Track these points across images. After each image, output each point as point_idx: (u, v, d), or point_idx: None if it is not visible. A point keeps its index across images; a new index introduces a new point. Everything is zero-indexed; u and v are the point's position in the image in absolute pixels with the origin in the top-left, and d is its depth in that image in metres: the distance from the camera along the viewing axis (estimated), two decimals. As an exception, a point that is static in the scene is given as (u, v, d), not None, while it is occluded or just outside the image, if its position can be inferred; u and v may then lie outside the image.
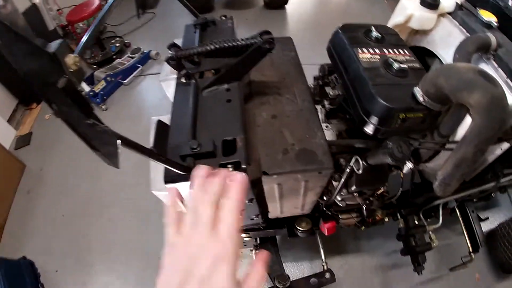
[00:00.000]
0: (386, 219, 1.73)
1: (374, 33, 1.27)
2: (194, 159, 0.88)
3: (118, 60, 3.57)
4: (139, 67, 3.55)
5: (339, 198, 1.33)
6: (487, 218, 2.27)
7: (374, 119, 1.06)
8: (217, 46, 1.09)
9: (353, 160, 1.13)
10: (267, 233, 1.59)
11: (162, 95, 3.12)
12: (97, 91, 3.23)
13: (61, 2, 4.02)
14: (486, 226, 2.41)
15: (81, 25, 3.80)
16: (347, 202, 1.37)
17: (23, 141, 3.23)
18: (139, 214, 2.49)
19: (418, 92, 1.03)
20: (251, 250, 1.78)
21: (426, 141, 1.16)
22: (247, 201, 1.05)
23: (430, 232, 1.79)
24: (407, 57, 1.22)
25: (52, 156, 2.98)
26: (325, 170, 1.00)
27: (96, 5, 3.76)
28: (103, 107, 3.26)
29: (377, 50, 1.21)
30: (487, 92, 0.88)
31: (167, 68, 1.29)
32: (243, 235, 1.55)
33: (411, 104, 1.03)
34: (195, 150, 0.87)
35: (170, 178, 0.89)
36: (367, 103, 1.07)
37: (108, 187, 2.68)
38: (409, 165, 1.27)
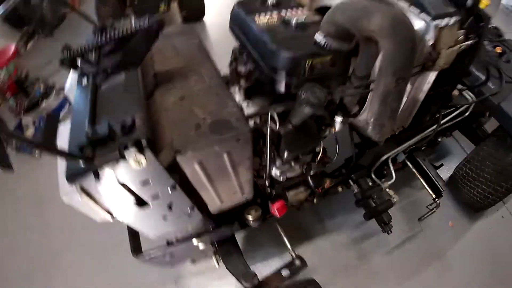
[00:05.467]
0: (340, 189, 1.69)
1: (270, 0, 1.27)
2: (92, 147, 0.79)
3: (44, 103, 3.37)
4: (66, 104, 3.38)
5: (276, 172, 1.27)
6: (441, 165, 2.32)
7: (282, 74, 1.02)
8: (107, 37, 1.02)
9: (268, 117, 1.07)
10: (220, 233, 1.48)
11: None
12: (28, 139, 3.02)
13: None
14: (444, 174, 2.50)
15: (1, 76, 3.58)
16: (288, 175, 1.30)
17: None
18: (97, 254, 2.31)
19: (319, 36, 1.01)
20: (212, 257, 1.66)
21: (346, 86, 1.14)
22: (168, 189, 0.95)
23: (387, 189, 1.76)
24: (306, 13, 1.22)
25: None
26: (242, 136, 0.93)
27: (12, 52, 3.59)
28: (36, 155, 3.06)
29: (274, 14, 1.19)
30: (386, 14, 0.87)
31: (72, 79, 1.22)
32: (195, 241, 1.43)
33: (315, 49, 1.02)
34: (90, 138, 0.78)
35: (71, 175, 0.78)
36: (272, 60, 1.04)
37: (58, 234, 2.49)
38: (338, 119, 1.26)
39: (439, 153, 2.75)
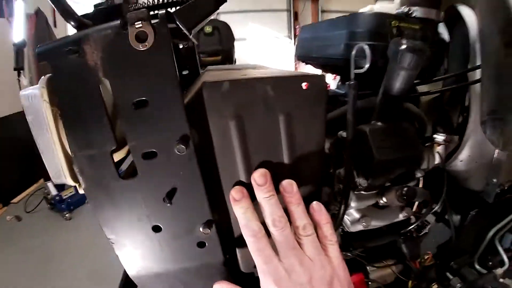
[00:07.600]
0: (435, 286, 1.04)
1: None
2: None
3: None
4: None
5: (354, 214, 0.78)
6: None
7: (364, 35, 0.73)
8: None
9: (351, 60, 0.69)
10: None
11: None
12: (64, 197, 2.81)
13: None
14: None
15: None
16: (373, 222, 0.79)
17: (-24, 238, 2.75)
18: None
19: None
20: None
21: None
22: (175, 145, 0.52)
23: (501, 279, 1.07)
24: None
25: (-1, 259, 2.57)
26: (315, 84, 0.56)
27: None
28: (66, 215, 2.81)
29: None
30: None
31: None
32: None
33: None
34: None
35: (45, 47, 0.47)
36: (350, 26, 0.78)
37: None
38: (439, 138, 0.84)
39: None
